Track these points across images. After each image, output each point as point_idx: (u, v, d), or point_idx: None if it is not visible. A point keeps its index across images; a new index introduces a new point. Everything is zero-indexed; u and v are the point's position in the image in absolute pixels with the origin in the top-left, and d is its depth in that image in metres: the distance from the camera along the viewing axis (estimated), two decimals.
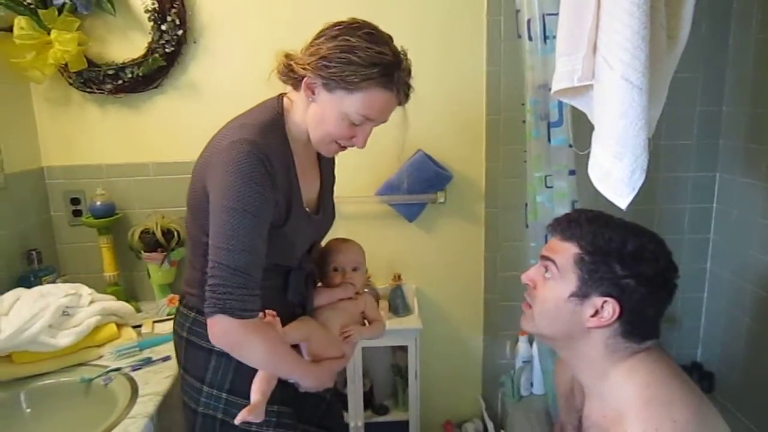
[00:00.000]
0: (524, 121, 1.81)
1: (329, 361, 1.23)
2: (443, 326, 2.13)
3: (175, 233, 1.89)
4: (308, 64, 1.06)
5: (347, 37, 1.05)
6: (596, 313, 1.01)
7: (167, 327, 1.81)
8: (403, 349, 1.97)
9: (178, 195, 1.96)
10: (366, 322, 1.38)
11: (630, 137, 1.03)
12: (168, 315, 1.87)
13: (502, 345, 2.15)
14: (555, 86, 1.25)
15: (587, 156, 1.17)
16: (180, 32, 1.81)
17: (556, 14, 1.48)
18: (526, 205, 1.90)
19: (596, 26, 1.07)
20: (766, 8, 1.80)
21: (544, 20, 1.57)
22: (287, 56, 1.13)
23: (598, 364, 1.05)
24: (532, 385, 2.10)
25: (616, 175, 1.06)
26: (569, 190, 1.63)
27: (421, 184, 1.95)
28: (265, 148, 1.05)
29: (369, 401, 2.08)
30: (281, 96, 1.18)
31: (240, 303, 1.00)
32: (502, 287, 2.10)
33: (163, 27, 1.80)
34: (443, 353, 2.14)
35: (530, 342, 2.08)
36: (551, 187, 1.69)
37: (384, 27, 1.10)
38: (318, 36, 1.09)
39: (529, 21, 1.62)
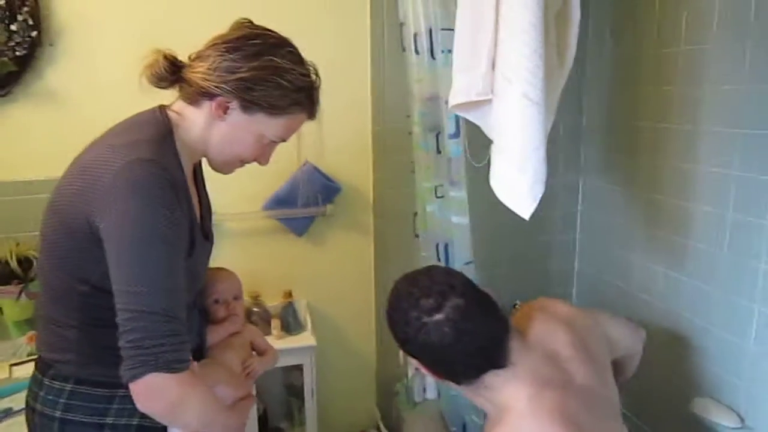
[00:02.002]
0: (410, 133, 1.85)
1: (242, 403, 1.13)
2: (336, 340, 2.10)
3: (34, 261, 1.67)
4: (223, 82, 0.96)
5: (271, 57, 0.97)
6: None
7: (29, 370, 1.57)
8: (298, 367, 1.91)
9: (34, 218, 1.72)
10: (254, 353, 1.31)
11: (530, 151, 1.08)
12: (29, 355, 1.64)
13: (394, 353, 2.16)
14: (452, 100, 1.28)
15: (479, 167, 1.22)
16: (34, 33, 1.61)
17: (448, 29, 1.54)
18: (415, 214, 1.94)
19: (494, 44, 1.11)
20: (616, 30, 2.00)
21: (431, 34, 1.61)
22: (170, 59, 1.01)
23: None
24: (425, 390, 2.14)
25: (519, 187, 1.11)
26: (465, 199, 1.68)
27: (311, 197, 1.91)
28: (167, 168, 0.93)
29: (264, 425, 1.99)
30: (162, 108, 1.04)
31: (175, 354, 0.86)
32: None
33: (13, 27, 1.58)
34: (336, 367, 2.11)
35: None
36: (442, 197, 1.73)
37: None
38: (224, 46, 0.98)
39: (415, 35, 1.65)
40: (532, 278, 2.25)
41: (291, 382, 2.07)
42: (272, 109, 1.00)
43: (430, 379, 2.13)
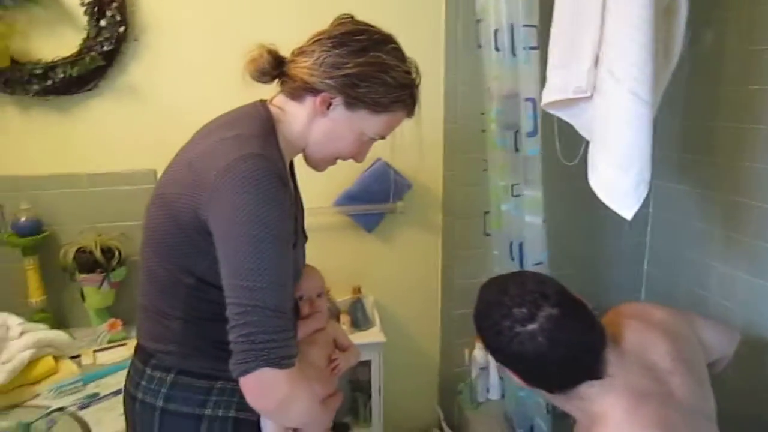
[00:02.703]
0: (484, 131, 1.83)
1: (330, 399, 1.13)
2: (401, 337, 2.09)
3: (116, 252, 1.71)
4: (329, 78, 0.96)
5: (377, 53, 0.96)
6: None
7: (111, 356, 1.63)
8: (364, 363, 1.91)
9: (115, 209, 1.78)
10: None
11: (636, 150, 1.06)
12: (110, 342, 1.68)
13: (458, 353, 2.15)
14: (546, 98, 1.26)
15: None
16: (121, 29, 1.64)
17: (532, 26, 1.52)
18: (486, 213, 1.92)
19: (599, 39, 1.09)
20: (696, 25, 1.94)
21: (512, 31, 1.59)
22: (274, 54, 1.02)
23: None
24: (488, 391, 2.12)
25: (622, 187, 1.09)
26: (541, 199, 1.66)
27: (382, 194, 1.91)
28: (276, 163, 0.94)
29: None
30: (264, 103, 1.05)
31: (285, 350, 0.86)
32: (459, 295, 2.11)
33: (102, 23, 1.62)
34: (400, 365, 2.11)
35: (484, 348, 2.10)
36: (518, 195, 1.71)
37: None
38: (329, 41, 0.97)
39: (496, 31, 1.63)
40: (601, 281, 2.21)
41: (357, 377, 2.08)
42: (375, 106, 0.99)
43: (494, 380, 2.11)
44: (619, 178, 1.09)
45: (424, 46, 1.89)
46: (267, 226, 0.87)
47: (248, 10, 1.76)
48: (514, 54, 1.60)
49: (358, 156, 1.08)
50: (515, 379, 1.08)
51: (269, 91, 1.06)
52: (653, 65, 1.02)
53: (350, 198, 1.90)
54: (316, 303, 1.25)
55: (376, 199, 1.91)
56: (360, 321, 1.91)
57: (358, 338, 1.86)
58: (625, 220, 2.15)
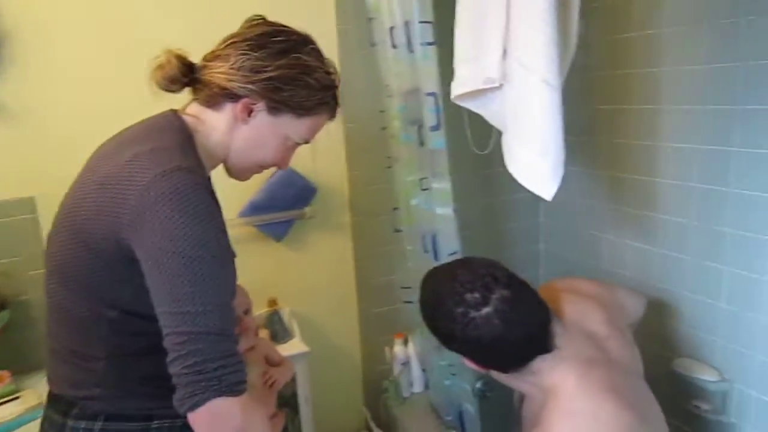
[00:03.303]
0: (385, 128, 1.84)
1: (274, 421, 1.09)
2: (322, 344, 2.05)
3: None
4: (249, 83, 0.91)
5: (298, 55, 0.93)
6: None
7: (2, 413, 1.44)
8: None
9: None
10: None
11: (551, 134, 1.11)
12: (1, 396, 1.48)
13: (380, 352, 2.15)
14: (456, 90, 1.29)
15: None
16: None
17: (428, 22, 1.55)
18: (394, 209, 1.94)
19: (506, 30, 1.13)
20: None
21: (408, 28, 1.61)
22: (184, 60, 0.95)
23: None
24: (412, 385, 2.14)
25: (541, 170, 1.14)
26: (450, 190, 1.70)
27: (289, 201, 1.85)
28: (203, 176, 0.87)
29: None
30: (175, 113, 0.98)
31: (237, 375, 0.80)
32: (375, 294, 2.11)
33: None
34: (324, 372, 2.07)
35: (405, 343, 2.12)
36: (427, 189, 1.74)
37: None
38: (245, 44, 0.93)
39: (391, 29, 1.64)
40: (502, 261, 2.31)
41: (280, 392, 2.00)
42: (300, 109, 0.96)
43: (417, 373, 2.14)
44: (537, 163, 1.14)
45: None
46: (202, 245, 0.80)
47: (136, 14, 1.62)
48: (411, 50, 1.62)
49: (282, 162, 1.04)
50: (470, 365, 1.10)
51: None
52: (559, 53, 1.08)
53: (256, 208, 1.83)
54: (244, 320, 1.19)
55: (283, 207, 1.86)
56: (279, 334, 1.85)
57: (280, 352, 1.80)
58: (519, 203, 2.32)
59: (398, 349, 2.10)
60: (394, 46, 1.65)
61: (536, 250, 2.41)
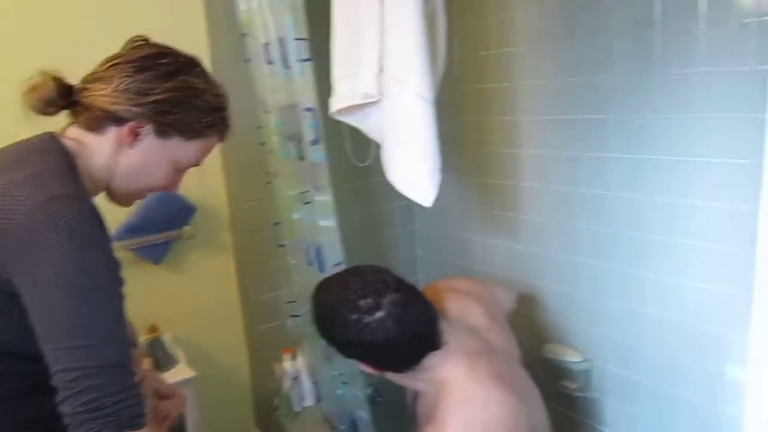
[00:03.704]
0: (263, 144, 1.84)
1: None
2: (209, 367, 1.98)
3: None
4: (135, 105, 0.89)
5: (186, 77, 0.92)
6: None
7: None
8: None
9: None
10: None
11: (427, 144, 1.19)
12: None
13: (269, 369, 2.12)
14: (335, 106, 1.33)
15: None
16: None
17: (303, 39, 1.58)
18: (276, 224, 1.93)
19: (381, 48, 1.20)
20: None
21: (283, 44, 1.62)
22: (61, 82, 0.91)
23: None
24: (303, 399, 2.14)
25: (420, 179, 1.22)
26: (332, 203, 1.73)
27: (166, 221, 1.78)
28: (90, 202, 0.83)
29: None
30: (52, 136, 0.92)
31: (137, 408, 0.77)
32: (260, 311, 2.09)
33: None
34: (212, 396, 2.00)
35: (294, 358, 2.11)
36: (309, 202, 1.76)
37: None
38: (129, 66, 0.90)
39: (266, 45, 1.65)
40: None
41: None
42: (189, 132, 0.96)
43: (307, 386, 2.14)
44: (416, 172, 1.21)
45: None
46: (93, 275, 0.78)
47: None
48: (287, 66, 1.64)
49: (171, 186, 1.03)
50: (366, 369, 1.14)
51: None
52: (430, 69, 1.17)
53: (131, 230, 1.74)
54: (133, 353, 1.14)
55: (161, 227, 1.78)
56: (163, 361, 1.76)
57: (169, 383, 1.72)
58: (394, 211, 2.42)
59: (287, 364, 2.09)
60: (270, 62, 1.66)
61: (413, 255, 2.52)
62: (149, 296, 1.83)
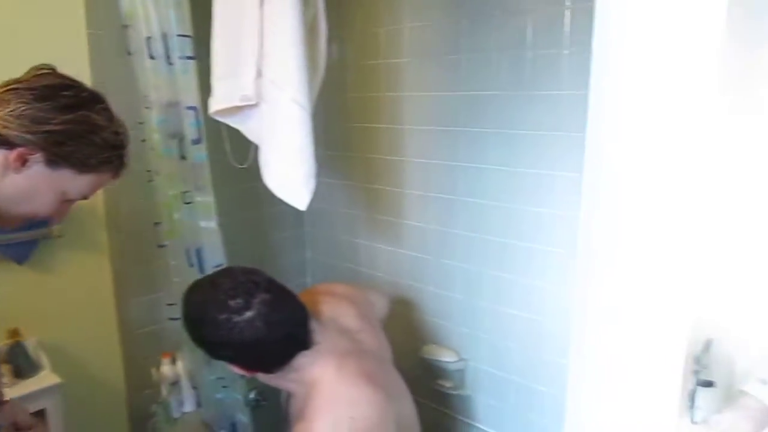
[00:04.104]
0: (144, 140, 1.79)
1: None
2: (78, 374, 1.88)
3: None
4: (29, 132, 0.87)
5: (87, 113, 0.92)
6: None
7: None
8: (40, 413, 1.66)
9: None
10: None
11: (302, 149, 1.22)
12: None
13: (146, 374, 2.04)
14: (214, 106, 1.32)
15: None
16: None
17: (187, 36, 1.55)
18: (156, 224, 1.88)
19: (260, 53, 1.21)
20: None
21: (166, 40, 1.59)
22: None
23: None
24: (182, 404, 2.08)
25: (295, 183, 1.24)
26: (213, 204, 1.71)
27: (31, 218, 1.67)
28: None
29: None
30: None
31: None
32: (137, 314, 2.01)
33: None
34: (82, 403, 1.90)
35: (173, 362, 2.05)
36: (190, 203, 1.73)
37: None
38: (29, 93, 0.89)
39: (148, 39, 1.60)
40: (271, 271, 2.37)
41: None
42: (82, 166, 0.95)
43: (187, 392, 2.08)
44: (291, 176, 1.24)
45: (65, 53, 1.72)
46: None
47: None
48: (170, 63, 1.61)
49: (56, 216, 1.00)
50: (237, 371, 1.14)
51: None
52: (307, 76, 1.20)
53: None
54: None
55: (26, 225, 1.67)
56: (24, 368, 1.65)
57: (25, 388, 1.61)
58: (284, 214, 2.42)
59: (166, 368, 2.03)
60: (152, 57, 1.62)
61: (303, 258, 2.53)
62: (12, 298, 1.71)
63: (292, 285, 2.32)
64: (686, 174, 0.65)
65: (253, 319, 1.08)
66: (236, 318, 1.07)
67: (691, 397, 0.79)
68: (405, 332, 2.12)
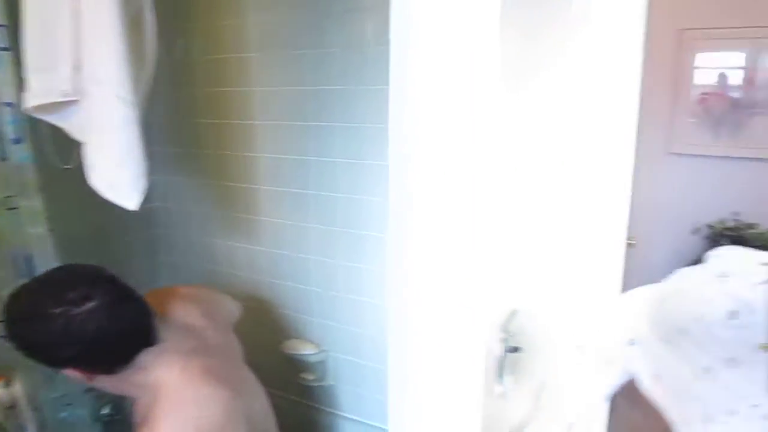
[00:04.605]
0: None
1: None
2: None
3: None
4: None
5: None
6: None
7: None
8: None
9: None
10: None
11: (129, 147, 1.16)
12: None
13: None
14: (29, 102, 1.22)
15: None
16: None
17: (1, 25, 1.42)
18: None
19: (77, 46, 1.13)
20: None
21: None
22: None
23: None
24: (23, 429, 1.91)
25: (122, 182, 1.18)
26: (41, 208, 1.58)
27: None
28: None
29: None
30: None
31: None
32: None
33: None
34: None
35: (8, 385, 1.87)
36: (15, 208, 1.58)
37: None
38: None
39: None
40: (122, 276, 2.25)
41: None
42: None
43: (27, 415, 1.91)
44: (118, 175, 1.17)
45: None
46: None
47: None
48: None
49: None
50: (75, 377, 1.07)
51: None
52: (131, 71, 1.14)
53: None
54: None
55: None
56: None
57: None
58: (134, 216, 2.27)
59: (0, 392, 1.85)
60: None
61: (156, 261, 2.41)
62: None
63: (144, 291, 2.23)
64: (479, 159, 0.72)
65: (95, 310, 1.02)
66: (75, 310, 1.01)
67: (501, 363, 0.86)
68: (267, 329, 2.11)
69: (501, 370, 0.87)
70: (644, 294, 0.70)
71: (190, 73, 2.11)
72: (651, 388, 0.65)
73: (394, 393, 0.84)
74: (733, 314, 0.56)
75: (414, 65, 0.69)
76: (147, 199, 2.28)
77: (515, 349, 0.88)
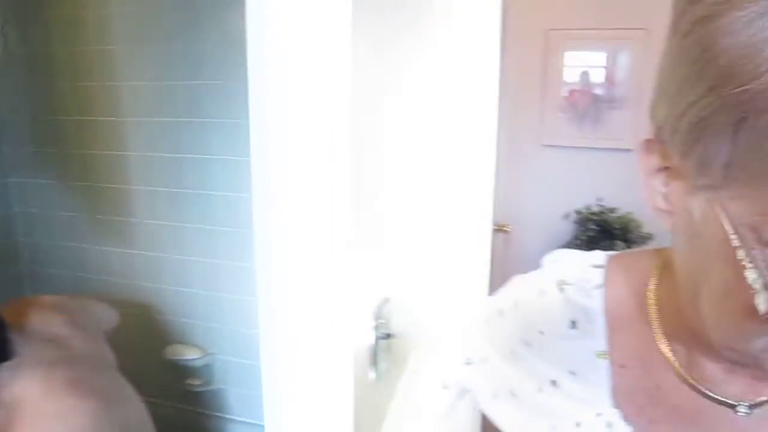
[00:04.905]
0: None
1: None
2: None
3: None
4: None
5: None
6: None
7: None
8: None
9: None
10: None
11: None
12: None
13: None
14: None
15: None
16: None
17: None
18: None
19: None
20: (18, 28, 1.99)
21: None
22: None
23: None
24: None
25: None
26: None
27: None
28: None
29: None
30: None
31: None
32: None
33: None
34: None
35: None
36: None
37: None
38: None
39: None
40: None
41: None
42: None
43: None
44: None
45: None
46: None
47: None
48: None
49: None
50: None
51: None
52: None
53: None
54: None
55: None
56: None
57: None
58: None
59: None
60: None
61: (17, 271, 2.22)
62: None
63: (5, 301, 2.04)
64: (338, 153, 0.73)
65: None
66: None
67: (374, 350, 0.89)
68: (148, 335, 2.01)
69: (375, 356, 0.90)
70: (478, 310, 0.67)
71: (52, 67, 1.96)
72: (489, 407, 0.62)
73: (269, 388, 0.84)
74: (573, 324, 0.55)
75: (270, 62, 0.69)
76: (4, 204, 2.13)
77: (388, 336, 0.91)
